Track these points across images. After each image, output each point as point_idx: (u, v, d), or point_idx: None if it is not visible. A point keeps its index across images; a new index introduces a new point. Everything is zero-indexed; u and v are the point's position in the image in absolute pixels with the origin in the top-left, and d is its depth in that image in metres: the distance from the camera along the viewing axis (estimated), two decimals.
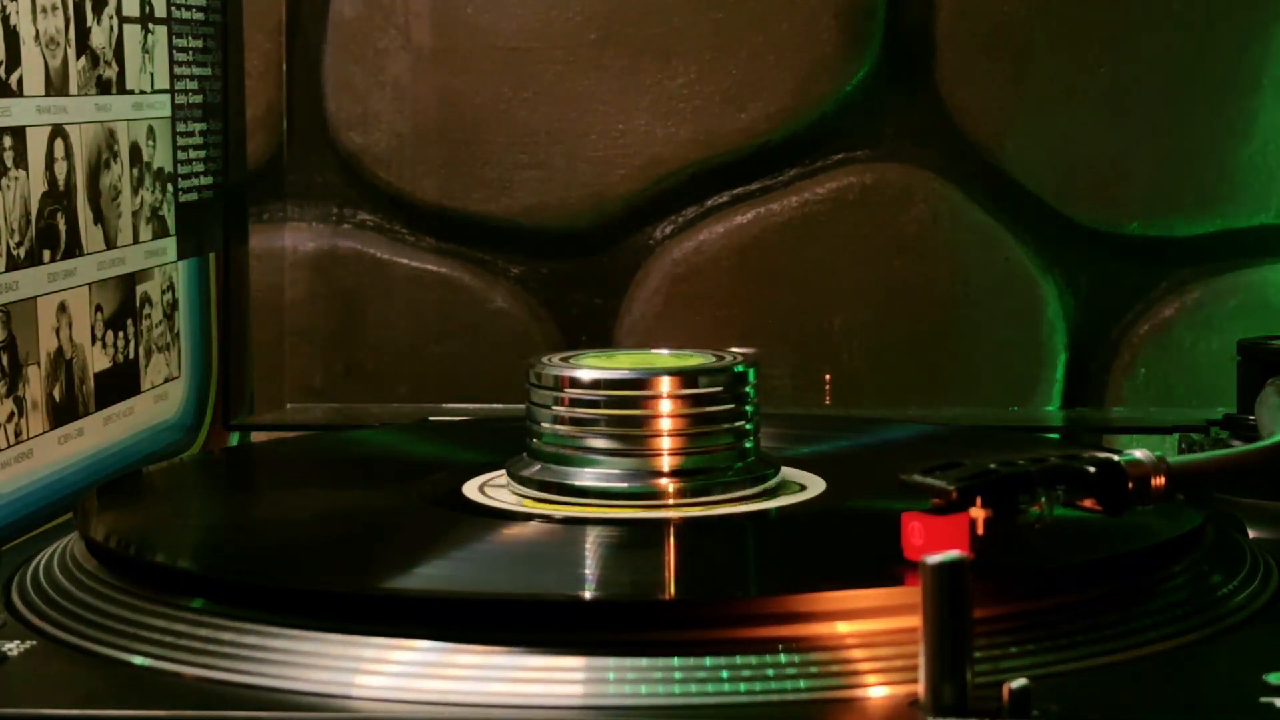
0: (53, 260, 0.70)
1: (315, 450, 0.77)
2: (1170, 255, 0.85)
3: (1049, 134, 0.85)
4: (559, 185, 0.87)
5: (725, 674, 0.47)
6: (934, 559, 0.44)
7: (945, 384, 0.86)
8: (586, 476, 0.61)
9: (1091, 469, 0.52)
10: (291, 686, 0.48)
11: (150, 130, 0.79)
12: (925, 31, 0.85)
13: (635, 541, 0.58)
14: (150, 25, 0.79)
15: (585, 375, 0.62)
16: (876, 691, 0.47)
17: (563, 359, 0.64)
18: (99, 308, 0.74)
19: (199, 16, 0.84)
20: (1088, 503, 0.53)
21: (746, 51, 0.86)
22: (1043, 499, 0.51)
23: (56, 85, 0.70)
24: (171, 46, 0.81)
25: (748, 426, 0.62)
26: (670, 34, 0.87)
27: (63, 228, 0.71)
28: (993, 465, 0.51)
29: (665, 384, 0.61)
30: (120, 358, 0.76)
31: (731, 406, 0.62)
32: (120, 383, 0.76)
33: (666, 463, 0.61)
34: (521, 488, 0.62)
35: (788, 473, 0.64)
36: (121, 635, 0.51)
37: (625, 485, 0.61)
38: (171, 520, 0.64)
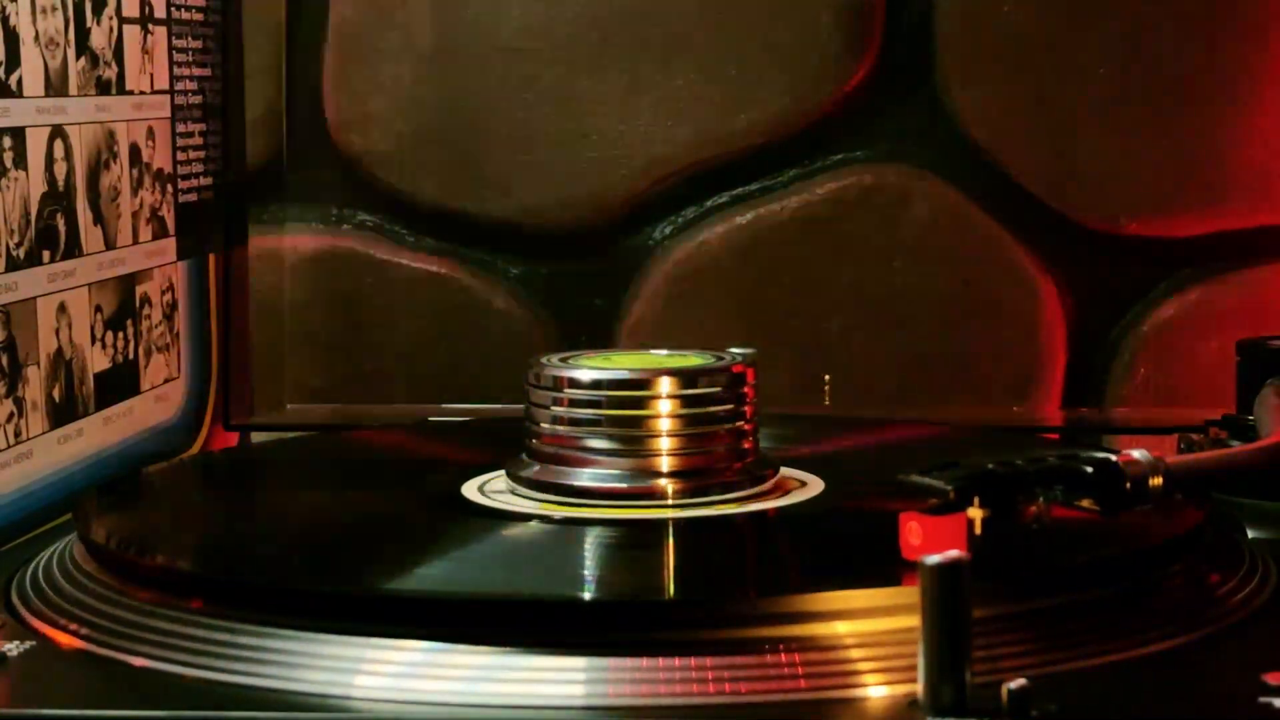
0: (52, 261, 0.70)
1: (315, 450, 0.77)
2: (1170, 255, 0.85)
3: (1049, 134, 0.85)
4: (559, 185, 0.87)
5: (725, 674, 0.47)
6: (932, 559, 0.44)
7: (945, 384, 0.86)
8: (586, 477, 0.61)
9: (1089, 469, 0.52)
10: (291, 687, 0.48)
11: (150, 131, 0.79)
12: (925, 31, 0.85)
13: (635, 542, 0.58)
14: (150, 26, 0.79)
15: (584, 375, 0.62)
16: (876, 691, 0.47)
17: (562, 359, 0.64)
18: (99, 308, 0.74)
19: (199, 17, 0.84)
20: (1086, 503, 0.53)
21: (746, 52, 0.86)
22: (1040, 499, 0.51)
23: (56, 86, 0.70)
24: (171, 47, 0.81)
25: (747, 427, 0.62)
26: (670, 35, 0.87)
27: (62, 228, 0.71)
28: (990, 465, 0.51)
29: (665, 384, 0.61)
30: (120, 358, 0.76)
31: (731, 406, 0.62)
32: (120, 383, 0.76)
33: (666, 463, 0.61)
34: (521, 488, 0.62)
35: (787, 473, 0.64)
36: (121, 635, 0.51)
37: (625, 485, 0.61)
38: (171, 521, 0.64)
